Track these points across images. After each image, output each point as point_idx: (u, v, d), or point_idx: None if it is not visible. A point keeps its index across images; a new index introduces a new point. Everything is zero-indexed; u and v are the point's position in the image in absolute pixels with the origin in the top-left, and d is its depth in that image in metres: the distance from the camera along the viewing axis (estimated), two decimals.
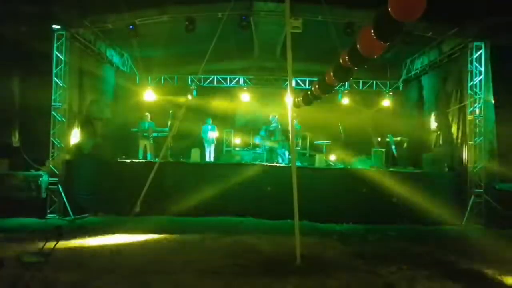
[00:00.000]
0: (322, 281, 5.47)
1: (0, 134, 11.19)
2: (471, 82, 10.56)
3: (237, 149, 15.20)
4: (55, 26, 10.26)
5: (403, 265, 6.32)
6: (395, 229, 9.29)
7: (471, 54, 10.57)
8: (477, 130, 10.45)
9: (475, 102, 10.51)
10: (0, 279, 3.93)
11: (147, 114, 13.63)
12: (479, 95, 10.48)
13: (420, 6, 3.03)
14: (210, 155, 14.19)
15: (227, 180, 10.57)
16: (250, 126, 16.53)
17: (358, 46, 4.04)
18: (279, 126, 13.69)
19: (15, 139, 11.30)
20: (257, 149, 14.44)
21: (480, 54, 10.49)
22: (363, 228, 9.45)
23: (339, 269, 6.09)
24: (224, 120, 15.77)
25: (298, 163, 12.01)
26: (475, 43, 10.51)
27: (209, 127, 14.27)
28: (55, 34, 10.41)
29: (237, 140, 15.60)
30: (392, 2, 3.11)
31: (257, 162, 12.87)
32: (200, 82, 15.60)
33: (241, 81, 16.06)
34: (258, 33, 12.06)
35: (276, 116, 13.88)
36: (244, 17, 10.55)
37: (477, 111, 10.48)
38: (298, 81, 15.48)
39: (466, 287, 5.45)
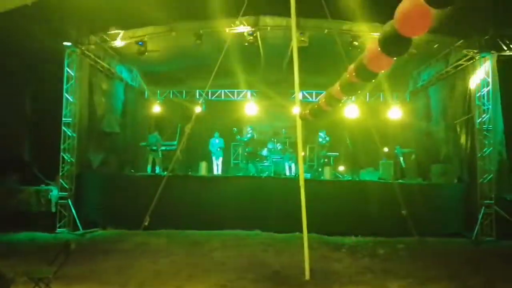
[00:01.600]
0: None
1: (11, 149, 11.35)
2: (479, 93, 10.53)
3: (245, 162, 15.23)
4: (65, 43, 10.47)
5: (413, 279, 6.26)
6: (404, 242, 9.19)
7: (479, 65, 10.56)
8: (486, 141, 10.39)
9: (483, 113, 10.47)
10: None
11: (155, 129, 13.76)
12: (487, 105, 10.44)
13: (427, 22, 3.05)
14: (218, 168, 14.23)
15: (234, 193, 10.60)
16: (258, 139, 16.57)
17: (365, 61, 4.07)
18: (254, 136, 13.77)
19: (26, 154, 11.45)
20: (265, 161, 14.46)
21: (488, 65, 10.48)
22: (372, 241, 9.38)
23: (347, 283, 6.05)
24: (232, 134, 15.83)
25: (307, 175, 12.00)
26: (482, 55, 10.50)
27: (217, 140, 14.34)
28: (66, 51, 10.61)
29: (245, 153, 15.63)
30: (398, 18, 3.13)
31: (265, 175, 12.88)
32: (208, 96, 15.73)
33: (248, 95, 16.15)
34: (264, 47, 12.17)
35: (251, 127, 13.97)
36: (251, 32, 10.68)
37: (486, 122, 10.43)
38: (305, 93, 15.54)
39: None
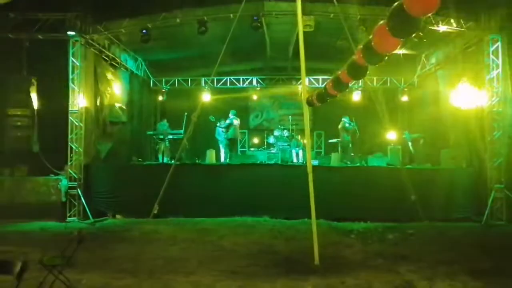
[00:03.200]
0: (341, 280, 5.45)
1: (20, 140, 11.43)
2: (488, 76, 10.37)
3: (252, 149, 15.22)
4: (70, 33, 10.43)
5: (423, 263, 6.25)
6: (414, 227, 9.16)
7: (488, 48, 10.37)
8: (496, 124, 10.25)
9: (492, 96, 10.32)
10: (22, 282, 4.02)
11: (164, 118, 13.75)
12: (496, 88, 10.28)
13: (436, 1, 2.98)
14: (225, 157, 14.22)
15: (242, 180, 10.61)
16: (264, 126, 16.53)
17: (372, 43, 4.00)
18: (234, 122, 13.39)
19: (34, 145, 11.53)
20: (272, 149, 14.44)
21: (497, 47, 10.28)
22: (381, 226, 9.35)
23: (357, 268, 6.06)
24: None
25: (315, 162, 11.95)
26: (492, 36, 10.30)
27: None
28: (70, 41, 10.59)
29: (251, 141, 15.64)
30: None
31: (272, 162, 12.87)
32: (213, 84, 15.67)
33: (254, 82, 16.07)
34: (270, 33, 12.06)
35: (234, 112, 13.57)
36: (255, 18, 10.57)
37: (495, 105, 10.28)
38: (311, 79, 15.42)
39: (487, 285, 5.35)
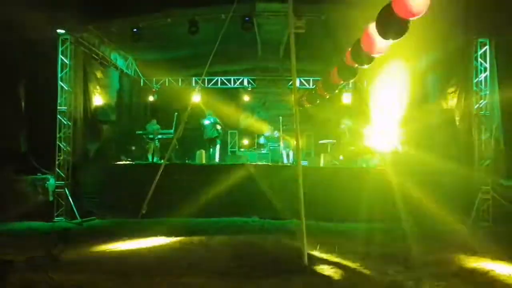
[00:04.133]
0: (329, 281, 5.47)
1: (7, 139, 11.28)
2: (476, 79, 10.49)
3: (242, 150, 15.22)
4: (59, 31, 10.34)
5: (411, 263, 6.30)
6: (401, 228, 9.23)
7: (476, 51, 10.50)
8: (483, 126, 10.38)
9: (480, 99, 10.45)
10: (10, 283, 3.97)
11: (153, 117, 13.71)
12: (484, 91, 10.41)
13: (425, 4, 3.01)
14: (215, 156, 14.21)
15: (232, 181, 10.59)
16: (255, 127, 16.52)
17: (361, 44, 4.03)
18: (205, 122, 13.51)
19: (22, 144, 11.39)
20: (262, 149, 14.45)
21: (485, 51, 10.42)
22: (369, 227, 9.41)
23: (346, 269, 6.08)
24: (229, 122, 15.79)
25: (304, 163, 12.00)
26: (480, 40, 10.43)
27: (208, 121, 14.09)
28: (60, 39, 10.48)
29: (241, 141, 15.63)
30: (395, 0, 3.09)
31: (262, 163, 12.87)
32: (204, 84, 15.63)
33: (245, 82, 16.07)
34: (261, 34, 12.07)
35: (210, 111, 13.67)
36: (247, 18, 10.57)
37: (483, 108, 10.41)
38: (302, 80, 15.47)
39: (475, 286, 5.41)
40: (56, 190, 10.27)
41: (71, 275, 5.47)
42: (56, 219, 10.09)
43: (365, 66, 4.85)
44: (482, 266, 6.17)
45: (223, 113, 15.43)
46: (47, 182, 10.46)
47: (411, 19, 3.50)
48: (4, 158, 11.13)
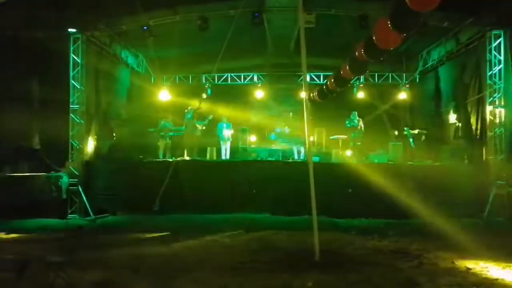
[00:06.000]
0: (342, 276, 5.44)
1: (20, 137, 11.44)
2: (490, 72, 10.31)
3: (252, 146, 15.19)
4: (71, 30, 10.42)
5: (423, 259, 6.24)
6: (415, 223, 9.14)
7: (490, 43, 10.31)
8: (497, 120, 10.21)
9: (494, 92, 10.27)
10: (24, 279, 4.02)
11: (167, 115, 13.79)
12: (498, 84, 10.23)
13: None
14: (226, 153, 14.20)
15: (243, 177, 10.60)
16: (265, 123, 16.46)
17: (374, 38, 3.98)
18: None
19: (35, 142, 11.53)
20: (273, 145, 14.41)
21: (499, 43, 10.23)
22: (382, 223, 9.35)
23: (359, 264, 6.05)
24: (239, 118, 15.76)
25: (316, 159, 11.94)
26: (494, 32, 10.24)
27: (225, 125, 14.26)
28: (71, 38, 10.56)
29: (252, 138, 15.58)
30: None
31: (273, 159, 12.85)
32: (214, 81, 15.64)
33: (255, 78, 16.04)
34: (271, 29, 12.01)
35: (190, 108, 13.59)
36: (256, 14, 10.53)
37: (497, 101, 10.24)
38: (313, 76, 15.38)
39: (490, 282, 5.33)
40: (70, 187, 10.38)
41: (86, 272, 5.52)
42: (69, 216, 10.21)
43: (377, 60, 4.81)
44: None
45: (234, 109, 15.42)
46: (61, 180, 10.55)
47: (424, 11, 3.43)
48: (18, 156, 11.31)
